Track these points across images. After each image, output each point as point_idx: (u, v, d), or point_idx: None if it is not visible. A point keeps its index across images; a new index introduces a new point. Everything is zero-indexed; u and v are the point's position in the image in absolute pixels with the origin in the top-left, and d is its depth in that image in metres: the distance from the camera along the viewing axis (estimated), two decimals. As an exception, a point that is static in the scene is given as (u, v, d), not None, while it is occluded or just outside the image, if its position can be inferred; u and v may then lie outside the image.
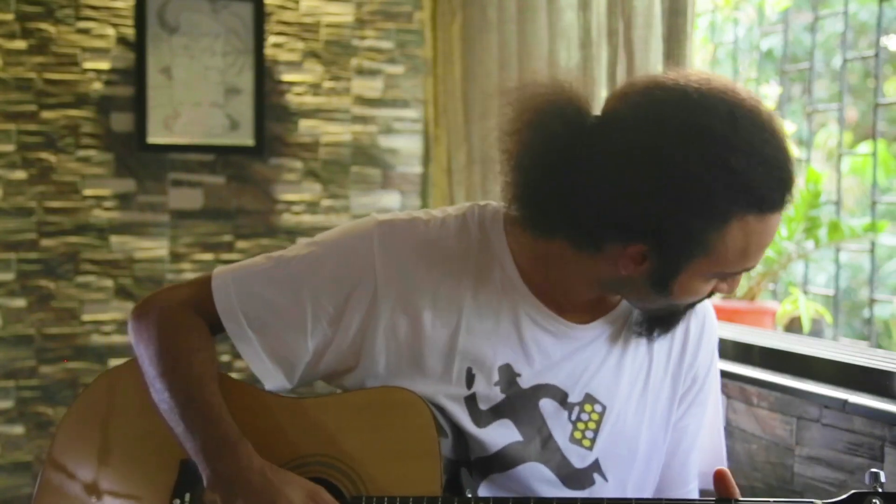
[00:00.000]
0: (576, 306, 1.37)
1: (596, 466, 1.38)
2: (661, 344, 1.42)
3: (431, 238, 1.37)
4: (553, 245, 1.29)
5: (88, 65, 3.22)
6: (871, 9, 4.43)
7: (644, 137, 1.18)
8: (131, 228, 3.29)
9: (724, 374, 1.53)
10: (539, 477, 1.35)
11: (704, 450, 1.48)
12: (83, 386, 3.22)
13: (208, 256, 3.35)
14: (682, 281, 1.24)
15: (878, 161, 3.12)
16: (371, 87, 3.48)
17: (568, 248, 1.27)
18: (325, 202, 3.46)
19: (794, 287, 3.39)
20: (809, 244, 3.25)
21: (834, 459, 1.89)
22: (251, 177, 3.39)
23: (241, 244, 3.38)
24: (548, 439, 1.36)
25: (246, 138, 3.34)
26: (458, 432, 1.35)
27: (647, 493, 1.44)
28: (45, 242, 3.22)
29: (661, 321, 1.35)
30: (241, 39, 3.31)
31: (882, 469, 1.29)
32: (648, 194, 1.17)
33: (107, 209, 3.27)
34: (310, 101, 3.42)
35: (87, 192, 3.25)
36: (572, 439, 1.37)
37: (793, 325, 3.32)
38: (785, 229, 3.25)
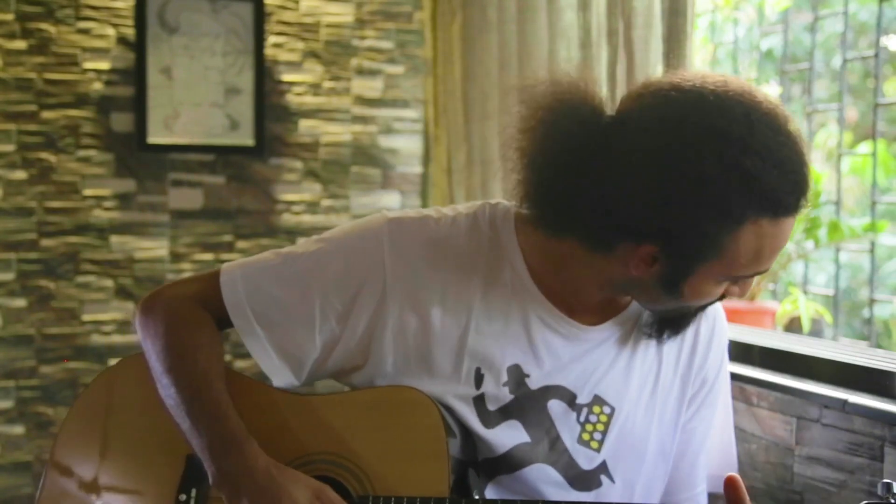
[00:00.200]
0: (586, 307, 1.37)
1: (603, 468, 1.37)
2: (671, 346, 1.41)
3: (441, 236, 1.36)
4: (564, 245, 1.28)
5: (88, 65, 3.22)
6: (871, 9, 4.43)
7: (659, 139, 1.17)
8: (131, 228, 3.29)
9: (724, 375, 1.53)
10: (546, 479, 1.35)
11: (715, 452, 1.48)
12: (83, 386, 3.22)
13: (208, 256, 3.35)
14: (693, 283, 1.23)
15: (877, 161, 3.12)
16: (371, 87, 3.48)
17: (579, 248, 1.27)
18: (326, 202, 3.46)
19: (794, 287, 3.39)
20: (809, 244, 3.25)
21: (834, 459, 1.89)
22: (251, 177, 3.39)
23: (241, 244, 3.38)
24: (556, 441, 1.36)
25: (246, 138, 3.34)
26: (466, 433, 1.34)
27: (655, 495, 1.43)
28: (46, 242, 3.22)
29: (671, 323, 1.34)
30: (241, 39, 3.31)
31: (882, 469, 1.29)
32: (662, 195, 1.17)
33: (107, 209, 3.27)
34: (310, 101, 3.42)
35: (88, 192, 3.25)
36: (580, 441, 1.36)
37: (793, 325, 3.32)
38: (786, 231, 3.24)
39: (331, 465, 1.35)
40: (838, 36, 3.97)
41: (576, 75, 1.27)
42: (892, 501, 1.19)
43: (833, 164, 3.86)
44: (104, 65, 3.24)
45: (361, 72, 3.47)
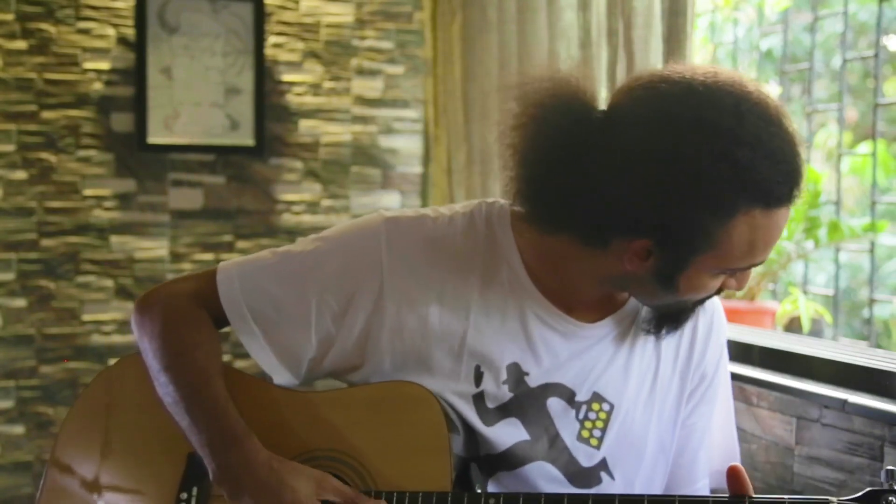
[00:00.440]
0: (583, 305, 1.37)
1: (603, 465, 1.37)
2: (669, 342, 1.41)
3: (438, 235, 1.36)
4: (560, 241, 1.28)
5: (89, 65, 3.23)
6: (871, 9, 4.43)
7: (649, 132, 1.17)
8: (131, 228, 3.29)
9: (725, 375, 1.53)
10: (546, 476, 1.35)
11: (717, 447, 1.47)
12: (83, 386, 3.22)
13: (208, 256, 3.35)
14: (688, 276, 1.23)
15: (877, 161, 3.12)
16: (371, 88, 3.48)
17: (574, 245, 1.27)
18: (326, 202, 3.46)
19: (794, 287, 3.39)
20: (809, 244, 3.25)
21: (834, 459, 1.89)
22: (251, 177, 3.39)
23: (241, 244, 3.38)
24: (555, 438, 1.36)
25: (246, 138, 3.34)
26: (469, 429, 1.34)
27: (655, 492, 1.43)
28: (46, 242, 3.22)
29: (669, 318, 1.34)
30: (241, 39, 3.31)
31: (882, 469, 1.29)
32: (653, 189, 1.16)
33: (107, 209, 3.27)
34: (310, 101, 3.43)
35: (88, 192, 3.25)
36: (580, 438, 1.36)
37: (792, 325, 3.32)
38: (785, 229, 3.25)
39: (332, 462, 1.34)
40: (838, 36, 3.97)
41: (568, 71, 1.27)
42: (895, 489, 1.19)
43: (833, 164, 3.86)
44: (104, 65, 3.24)
45: (361, 72, 3.47)
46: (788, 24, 3.66)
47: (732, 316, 2.96)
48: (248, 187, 3.39)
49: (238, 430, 1.32)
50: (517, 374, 1.35)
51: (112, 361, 3.19)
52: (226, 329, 1.42)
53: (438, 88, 3.25)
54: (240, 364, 2.78)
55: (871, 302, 3.13)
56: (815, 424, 1.95)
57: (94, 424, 1.46)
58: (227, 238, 3.37)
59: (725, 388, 1.49)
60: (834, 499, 1.19)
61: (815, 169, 3.33)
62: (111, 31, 3.24)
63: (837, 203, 3.30)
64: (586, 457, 1.36)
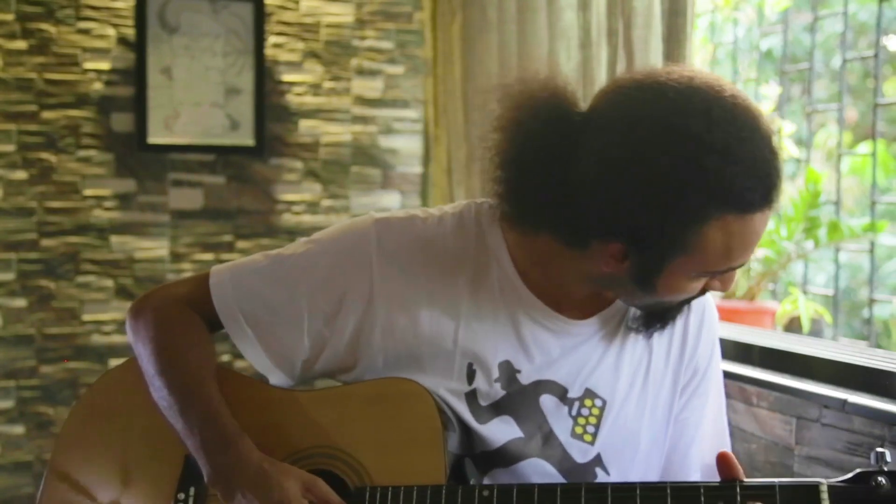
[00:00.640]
0: (573, 302, 1.38)
1: (598, 461, 1.38)
2: (661, 338, 1.42)
3: (429, 236, 1.38)
4: (544, 241, 1.30)
5: (89, 65, 3.23)
6: (871, 9, 4.43)
7: (619, 137, 1.18)
8: (131, 228, 3.29)
9: (724, 374, 1.53)
10: (541, 473, 1.35)
11: (709, 443, 1.47)
12: (83, 386, 3.23)
13: (208, 256, 3.35)
14: (665, 279, 1.24)
15: (877, 161, 3.12)
16: (371, 88, 3.48)
17: (556, 245, 1.29)
18: (326, 202, 3.46)
19: (794, 287, 3.39)
20: (809, 244, 3.25)
21: (833, 459, 1.89)
22: (251, 177, 3.39)
23: (241, 244, 3.39)
24: (549, 435, 1.36)
25: (246, 138, 3.34)
26: (464, 426, 1.35)
27: None
28: (46, 242, 3.23)
29: (657, 317, 1.35)
30: (241, 40, 3.32)
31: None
32: (623, 193, 1.18)
33: (107, 209, 3.27)
34: (310, 101, 3.43)
35: (88, 192, 3.25)
36: (573, 434, 1.37)
37: (792, 325, 3.32)
38: (784, 229, 3.25)
39: (328, 459, 1.35)
40: (838, 36, 3.98)
41: (549, 74, 1.29)
42: (885, 469, 1.19)
43: (833, 164, 3.86)
44: (104, 65, 3.24)
45: (361, 72, 3.47)
46: (788, 24, 3.66)
47: (732, 316, 2.98)
48: (248, 187, 3.39)
49: (231, 431, 1.33)
50: (509, 372, 1.36)
51: (112, 361, 3.24)
52: (224, 331, 1.43)
53: (438, 88, 3.25)
54: (239, 364, 2.78)
55: (871, 302, 3.13)
56: (814, 424, 1.96)
57: (95, 427, 1.47)
58: (227, 238, 3.38)
59: (717, 382, 1.49)
60: (824, 480, 1.19)
61: (815, 169, 3.33)
62: (111, 31, 3.24)
63: (837, 203, 3.30)
64: (580, 453, 1.37)
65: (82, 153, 3.24)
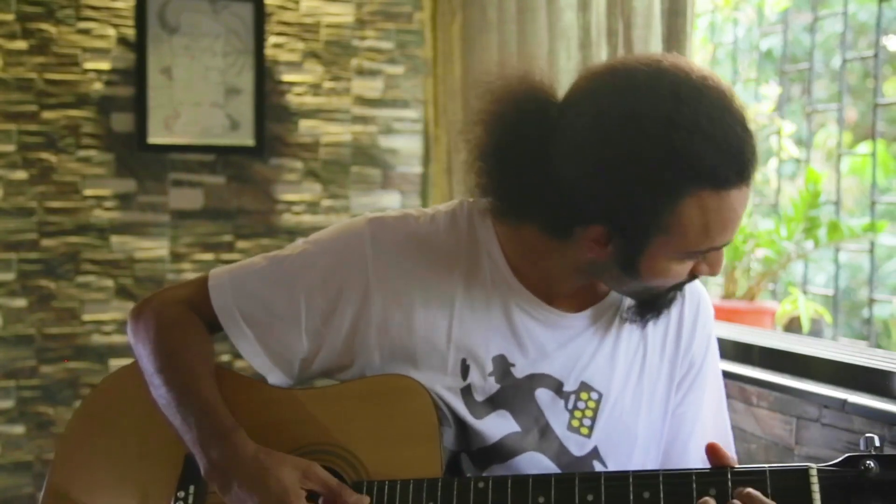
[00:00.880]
0: (565, 295, 1.39)
1: (595, 454, 1.39)
2: (656, 330, 1.43)
3: (422, 233, 1.40)
4: (531, 233, 1.32)
5: (89, 65, 3.23)
6: (871, 9, 4.44)
7: (589, 119, 1.21)
8: (132, 228, 3.30)
9: (724, 374, 1.53)
10: (538, 466, 1.36)
11: (710, 438, 1.48)
12: (84, 386, 3.24)
13: (209, 256, 3.35)
14: (648, 261, 1.25)
15: (877, 161, 3.12)
16: (371, 88, 3.48)
17: (542, 236, 1.31)
18: (326, 202, 3.47)
19: (794, 287, 3.39)
20: (809, 244, 3.25)
21: (833, 459, 1.89)
22: (251, 177, 3.39)
23: (241, 244, 3.39)
24: (546, 429, 1.38)
25: (246, 138, 3.34)
26: (460, 423, 1.36)
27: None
28: (46, 242, 3.23)
29: (647, 306, 1.36)
30: (241, 40, 3.32)
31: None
32: (596, 175, 1.20)
33: (107, 209, 3.27)
34: (310, 101, 3.43)
35: (88, 192, 3.26)
36: (570, 428, 1.38)
37: (792, 325, 3.32)
38: (784, 229, 3.25)
39: (325, 455, 1.37)
40: (838, 36, 3.98)
41: (528, 68, 1.32)
42: (874, 454, 1.20)
43: (833, 164, 3.86)
44: (104, 65, 3.24)
45: (361, 72, 3.47)
46: (788, 24, 3.66)
47: (732, 316, 2.98)
48: (248, 187, 3.39)
49: (226, 425, 1.35)
50: (503, 366, 1.37)
51: (112, 361, 3.24)
52: (224, 332, 1.45)
53: (438, 88, 3.25)
54: (238, 364, 2.79)
55: (871, 302, 3.13)
56: (814, 424, 1.96)
57: (96, 429, 1.49)
58: (228, 238, 3.38)
59: (715, 377, 1.50)
60: (814, 465, 1.20)
61: (815, 169, 3.33)
62: (111, 32, 3.24)
63: (837, 203, 3.30)
64: (577, 446, 1.38)
65: (82, 153, 3.24)
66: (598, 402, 1.39)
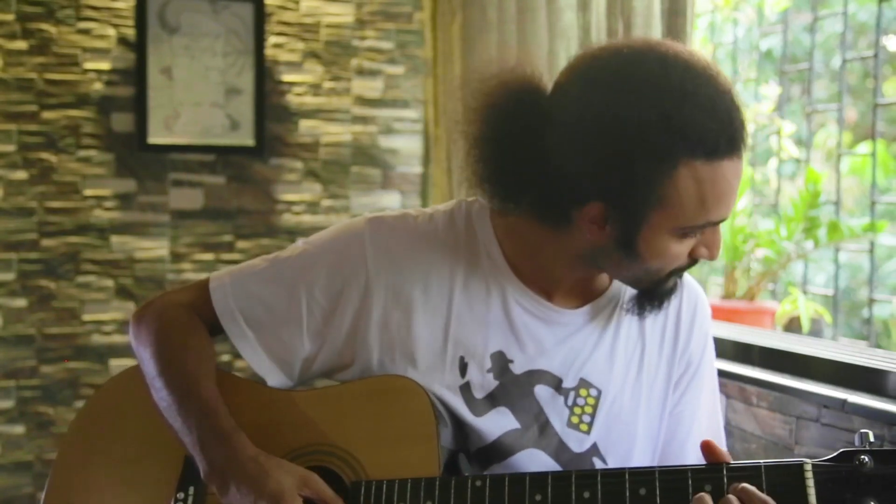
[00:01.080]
0: (564, 291, 1.40)
1: (595, 450, 1.39)
2: (654, 328, 1.43)
3: (420, 232, 1.41)
4: (528, 225, 1.33)
5: (89, 65, 3.23)
6: (871, 9, 4.44)
7: (582, 98, 1.23)
8: (132, 228, 3.30)
9: (724, 374, 1.54)
10: (538, 463, 1.37)
11: (704, 437, 1.48)
12: (84, 386, 3.24)
13: (209, 256, 3.35)
14: (646, 238, 1.25)
15: (877, 161, 3.13)
16: (371, 88, 3.49)
17: (540, 227, 1.32)
18: (326, 202, 3.47)
19: (794, 287, 3.39)
20: (809, 244, 3.26)
21: (833, 459, 1.90)
22: (251, 177, 3.39)
23: (241, 244, 3.39)
24: (545, 425, 1.38)
25: (246, 138, 3.35)
26: (458, 422, 1.37)
27: None
28: (46, 242, 3.23)
29: (648, 295, 1.36)
30: (241, 40, 3.32)
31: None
32: (592, 150, 1.21)
33: (107, 209, 3.27)
34: (310, 101, 3.43)
35: (88, 192, 3.26)
36: (570, 424, 1.38)
37: (792, 325, 3.32)
38: (784, 229, 3.25)
39: (324, 455, 1.37)
40: (838, 36, 3.98)
41: (517, 63, 1.33)
42: (868, 449, 1.21)
43: (832, 164, 3.86)
44: (105, 65, 3.24)
45: (361, 72, 3.47)
46: (788, 24, 3.67)
47: (732, 316, 2.98)
48: (248, 187, 3.39)
49: (226, 427, 1.35)
50: (501, 362, 1.38)
51: (112, 361, 3.25)
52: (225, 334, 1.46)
53: (438, 88, 3.25)
54: (238, 364, 2.79)
55: (871, 302, 3.13)
56: (814, 424, 1.96)
57: (97, 431, 1.50)
58: (228, 238, 3.38)
59: (711, 376, 1.50)
60: (809, 460, 1.20)
61: (815, 169, 3.33)
62: (111, 32, 3.24)
63: (837, 203, 3.30)
64: (577, 442, 1.38)
65: (82, 153, 3.24)
66: (597, 398, 1.40)
